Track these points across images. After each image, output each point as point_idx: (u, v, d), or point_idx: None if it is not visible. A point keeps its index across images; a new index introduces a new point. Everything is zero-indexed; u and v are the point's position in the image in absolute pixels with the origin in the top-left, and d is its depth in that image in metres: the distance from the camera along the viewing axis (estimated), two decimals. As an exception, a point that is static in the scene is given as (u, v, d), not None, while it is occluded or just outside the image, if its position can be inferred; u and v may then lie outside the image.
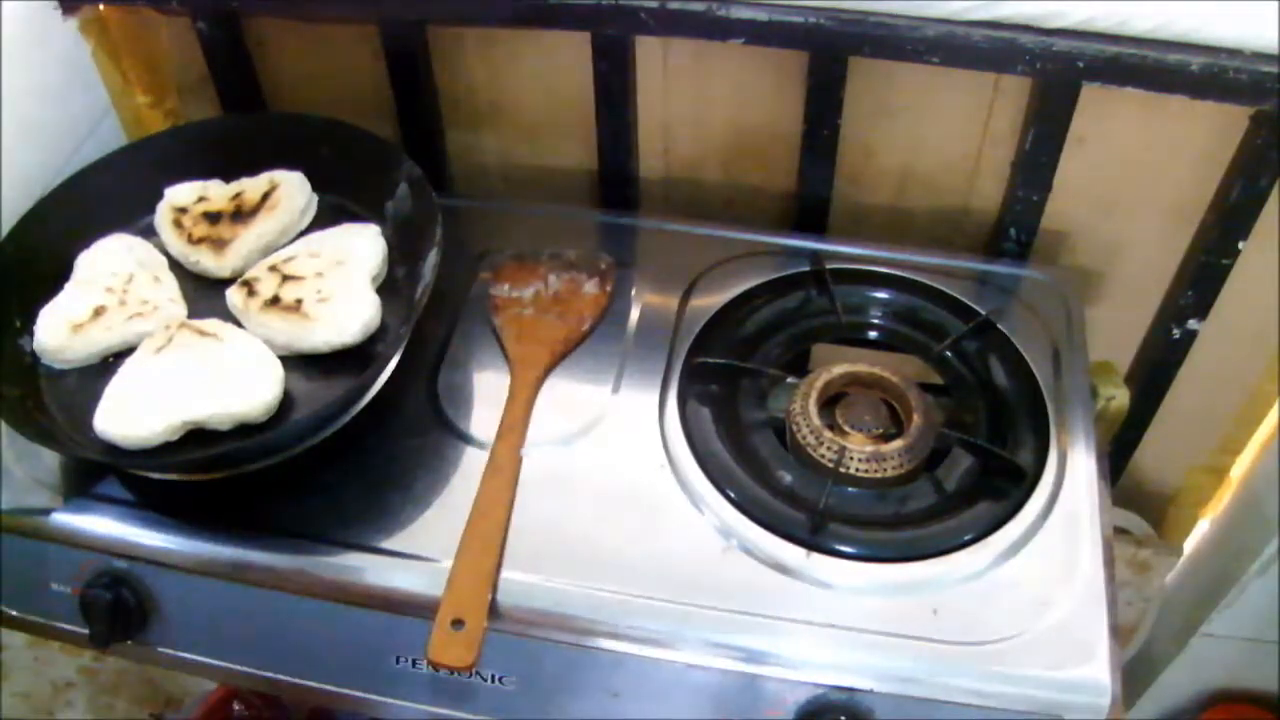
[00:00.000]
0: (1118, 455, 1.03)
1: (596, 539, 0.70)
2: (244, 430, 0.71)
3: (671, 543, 0.70)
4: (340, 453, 0.74)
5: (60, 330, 0.76)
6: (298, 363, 0.75)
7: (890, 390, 0.78)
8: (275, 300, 0.76)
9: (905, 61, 0.78)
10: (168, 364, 0.73)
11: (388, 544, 0.70)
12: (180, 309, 0.79)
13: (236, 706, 1.30)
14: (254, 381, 0.71)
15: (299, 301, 0.75)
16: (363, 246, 0.79)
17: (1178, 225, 0.89)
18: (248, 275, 0.79)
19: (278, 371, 0.73)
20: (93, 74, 0.95)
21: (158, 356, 0.73)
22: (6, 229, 0.80)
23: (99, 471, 0.74)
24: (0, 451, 0.76)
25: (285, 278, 0.77)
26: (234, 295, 0.78)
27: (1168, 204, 0.89)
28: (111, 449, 0.70)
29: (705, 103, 0.92)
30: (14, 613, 0.77)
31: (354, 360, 0.75)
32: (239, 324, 0.77)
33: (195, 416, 0.70)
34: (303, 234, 0.83)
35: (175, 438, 0.70)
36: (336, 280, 0.77)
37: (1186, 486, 1.10)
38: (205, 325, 0.75)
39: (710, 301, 0.85)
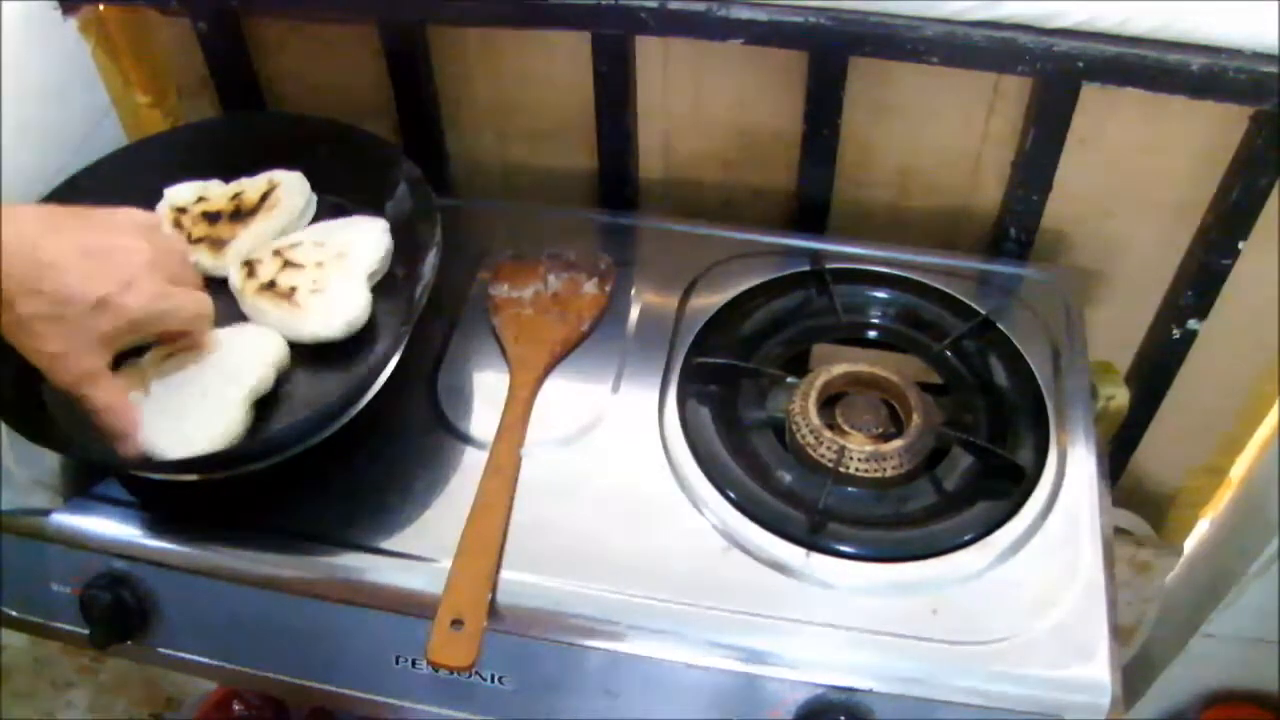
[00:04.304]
0: (1118, 455, 1.03)
1: (596, 539, 0.70)
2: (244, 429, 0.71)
3: (671, 543, 0.70)
4: (340, 453, 0.74)
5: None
6: (298, 361, 0.75)
7: (890, 390, 0.78)
8: (271, 285, 0.76)
9: (905, 61, 0.78)
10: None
11: (388, 544, 0.70)
12: None
13: (236, 706, 1.30)
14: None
15: (293, 289, 0.76)
16: (366, 241, 0.79)
17: (1178, 225, 0.89)
18: (251, 256, 0.79)
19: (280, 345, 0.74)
20: (93, 74, 0.95)
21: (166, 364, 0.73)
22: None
23: (99, 471, 0.74)
24: (0, 452, 0.76)
25: (286, 263, 0.78)
26: (234, 274, 0.79)
27: (1168, 204, 0.89)
28: (112, 449, 0.70)
29: (705, 103, 0.92)
30: (14, 613, 0.77)
31: (353, 360, 0.75)
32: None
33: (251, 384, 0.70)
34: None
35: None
36: (334, 272, 0.77)
37: (1186, 486, 1.10)
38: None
39: (710, 301, 0.85)
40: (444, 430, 0.77)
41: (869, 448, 0.74)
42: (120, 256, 0.62)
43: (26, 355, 0.61)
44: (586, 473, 0.74)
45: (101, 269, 0.60)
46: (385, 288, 0.79)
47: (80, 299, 0.59)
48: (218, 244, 0.81)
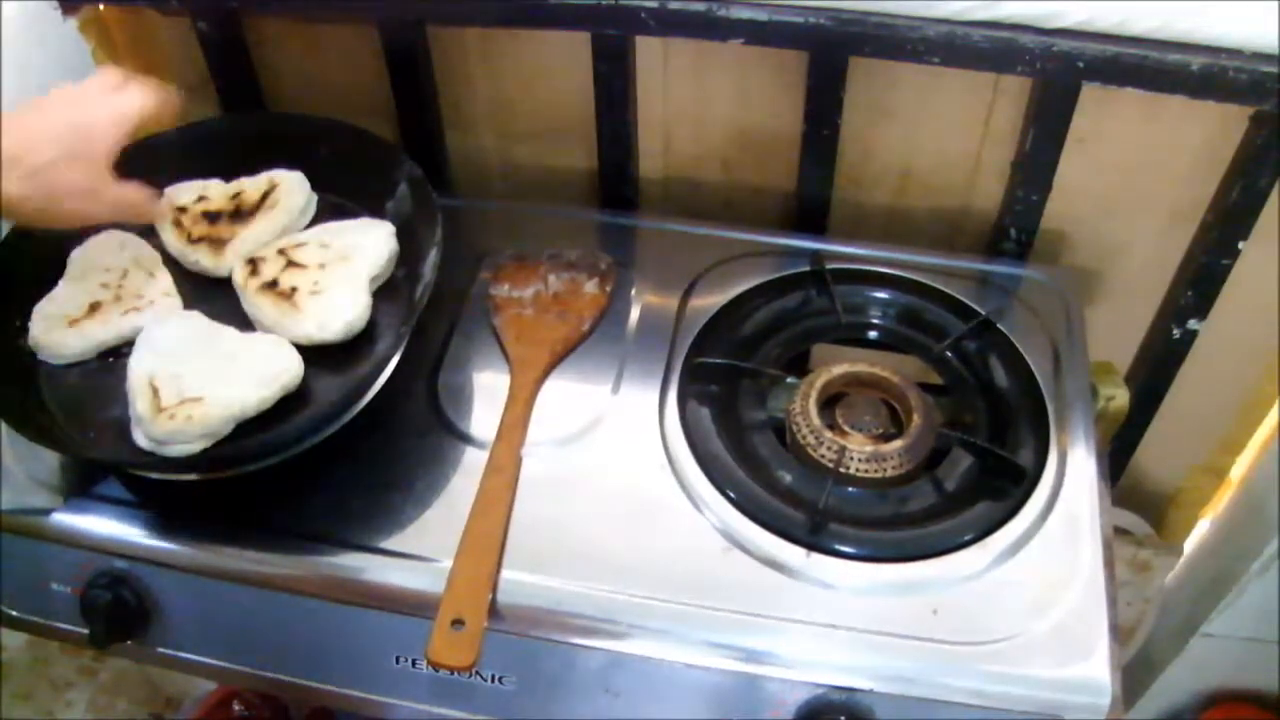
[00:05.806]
0: (1118, 455, 1.03)
1: (596, 539, 0.70)
2: (244, 429, 0.71)
3: (671, 543, 0.70)
4: (340, 453, 0.74)
5: (57, 325, 0.76)
6: (298, 362, 0.75)
7: (890, 390, 0.78)
8: (273, 284, 0.76)
9: (905, 61, 0.78)
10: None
11: (388, 544, 0.70)
12: (176, 302, 0.79)
13: (236, 706, 1.31)
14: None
15: (294, 290, 0.76)
16: (371, 245, 0.79)
17: (1178, 225, 0.89)
18: (256, 254, 0.79)
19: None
20: (93, 74, 0.95)
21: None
22: (5, 230, 0.80)
23: (99, 471, 0.75)
24: (0, 452, 0.76)
25: (290, 263, 0.78)
26: (238, 270, 0.79)
27: (1168, 204, 0.89)
28: (110, 449, 0.70)
29: (705, 103, 0.92)
30: (14, 613, 0.77)
31: (353, 360, 0.75)
32: (236, 326, 0.77)
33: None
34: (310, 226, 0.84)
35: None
36: (336, 275, 0.77)
37: (1186, 486, 1.10)
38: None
39: (710, 301, 0.85)
40: (444, 430, 0.77)
41: (869, 448, 0.74)
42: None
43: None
44: (587, 473, 0.74)
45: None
46: (386, 288, 0.79)
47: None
48: (218, 243, 0.81)
